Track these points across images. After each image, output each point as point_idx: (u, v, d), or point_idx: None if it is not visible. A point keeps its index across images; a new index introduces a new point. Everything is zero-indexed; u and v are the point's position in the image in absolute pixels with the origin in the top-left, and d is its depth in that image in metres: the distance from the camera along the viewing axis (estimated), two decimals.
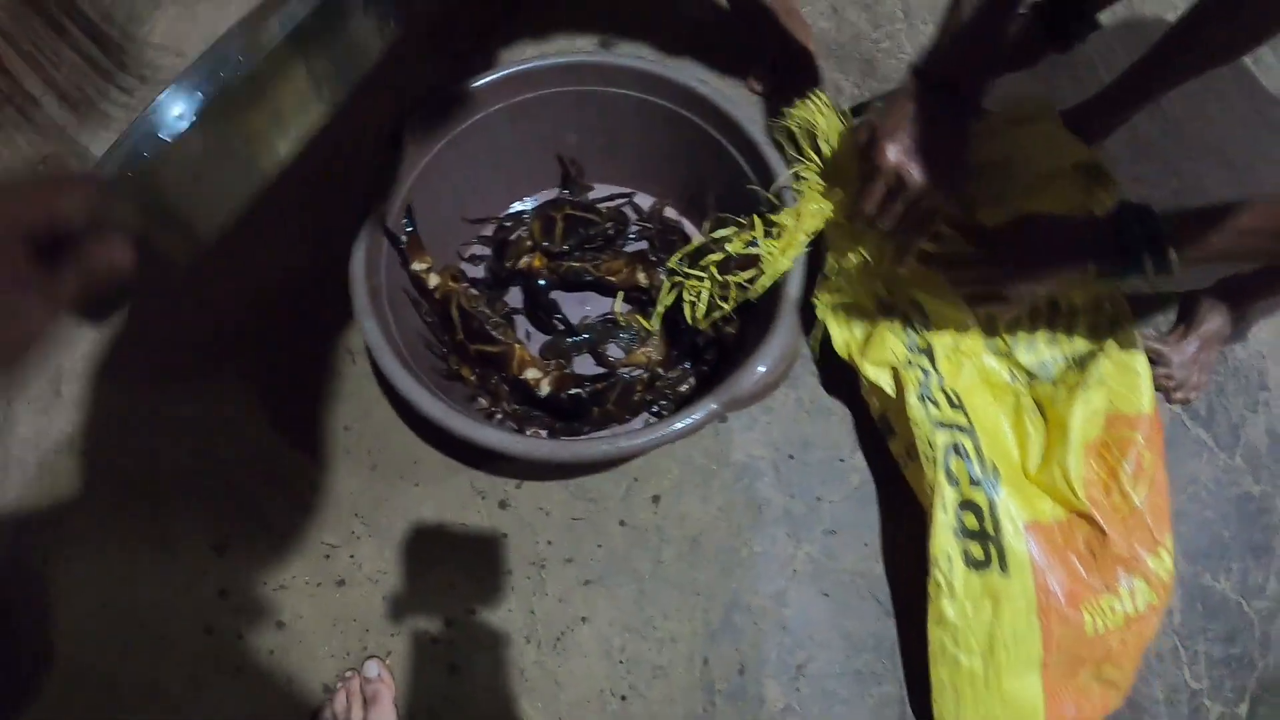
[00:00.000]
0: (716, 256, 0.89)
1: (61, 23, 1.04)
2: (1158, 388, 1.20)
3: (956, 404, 0.96)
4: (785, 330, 0.79)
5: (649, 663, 0.91)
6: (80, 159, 1.19)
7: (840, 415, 1.02)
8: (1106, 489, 0.98)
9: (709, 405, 0.76)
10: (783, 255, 0.87)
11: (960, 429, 0.94)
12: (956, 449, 0.92)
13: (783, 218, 0.88)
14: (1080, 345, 1.07)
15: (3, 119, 0.99)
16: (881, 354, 0.96)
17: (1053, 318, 1.07)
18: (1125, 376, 1.04)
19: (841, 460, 0.99)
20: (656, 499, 0.94)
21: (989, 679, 0.90)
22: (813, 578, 0.95)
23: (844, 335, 0.98)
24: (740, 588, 0.93)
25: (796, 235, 0.88)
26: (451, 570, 0.93)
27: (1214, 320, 1.19)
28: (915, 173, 0.78)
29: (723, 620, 0.92)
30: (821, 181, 0.92)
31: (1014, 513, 0.92)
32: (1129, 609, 0.94)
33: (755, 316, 0.88)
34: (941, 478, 0.90)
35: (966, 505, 0.91)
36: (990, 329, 1.04)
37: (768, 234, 0.88)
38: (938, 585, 0.89)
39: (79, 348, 1.07)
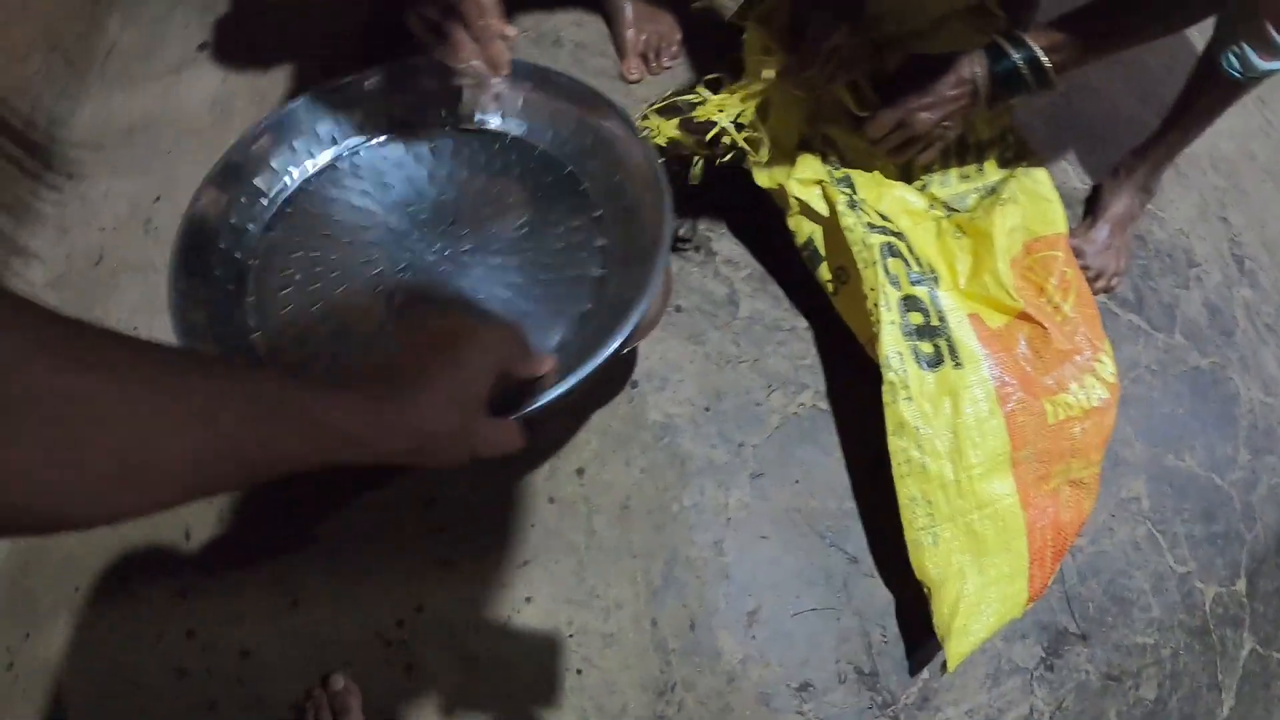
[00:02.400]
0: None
1: None
2: None
3: (885, 217, 0.99)
4: (656, 274, 0.81)
5: (598, 632, 0.91)
6: (22, 256, 1.28)
7: (750, 362, 1.03)
8: (1041, 302, 0.99)
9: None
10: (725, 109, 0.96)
11: (891, 233, 0.96)
12: (891, 250, 0.94)
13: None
14: (991, 177, 1.10)
15: None
16: (808, 172, 0.98)
17: (963, 154, 1.12)
18: (1036, 204, 1.07)
19: (758, 404, 1.00)
20: (580, 471, 0.96)
21: (960, 482, 0.88)
22: (748, 522, 0.96)
23: (773, 174, 1.00)
24: (676, 544, 0.94)
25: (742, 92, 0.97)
26: (395, 571, 0.95)
27: (1119, 202, 1.19)
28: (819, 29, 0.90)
29: (664, 578, 0.93)
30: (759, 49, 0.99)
31: (957, 304, 0.93)
32: (1084, 402, 0.94)
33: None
34: (882, 277, 0.91)
35: (909, 303, 0.92)
36: (907, 174, 1.09)
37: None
38: (893, 387, 0.89)
39: None
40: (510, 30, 0.86)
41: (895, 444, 0.88)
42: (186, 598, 0.97)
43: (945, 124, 0.96)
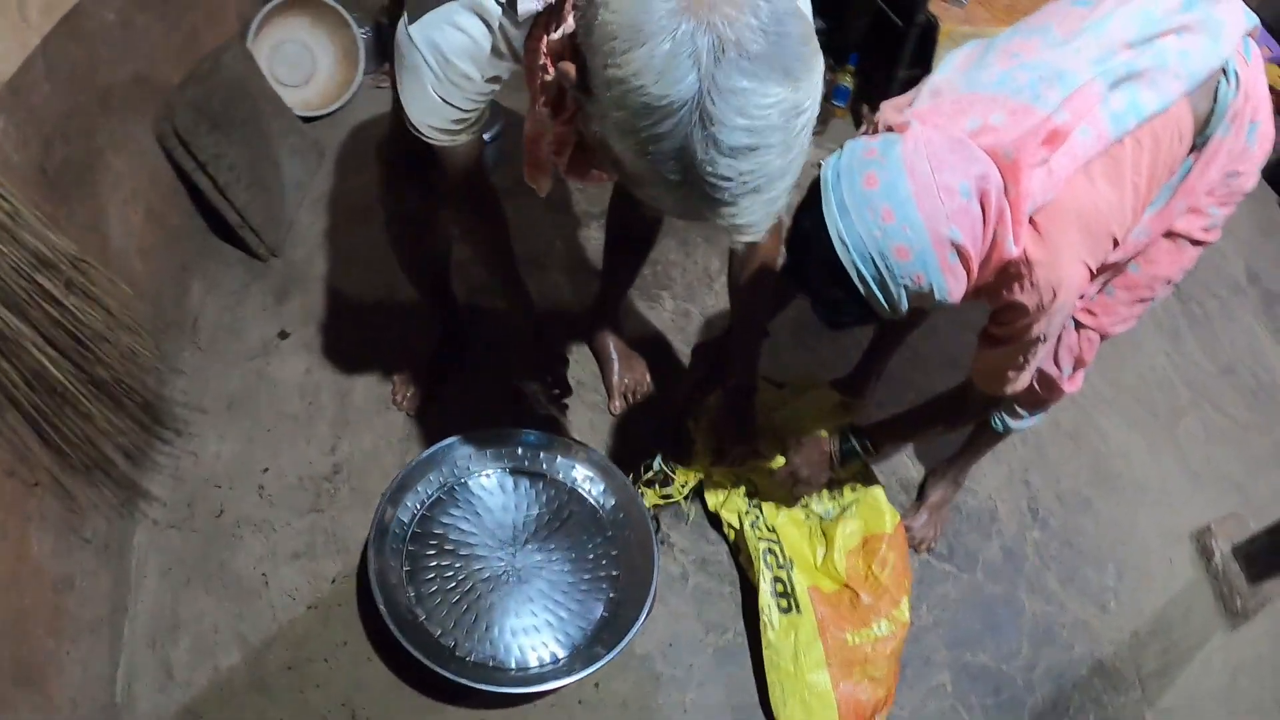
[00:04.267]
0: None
1: (121, 400, 1.53)
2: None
3: (771, 529, 1.74)
4: (654, 584, 1.59)
5: None
6: (145, 498, 1.66)
7: (694, 615, 1.75)
8: (865, 575, 1.71)
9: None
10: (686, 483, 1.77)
11: (773, 542, 1.71)
12: (770, 551, 1.69)
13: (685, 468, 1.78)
14: (847, 498, 1.83)
15: (92, 478, 1.50)
16: (733, 507, 1.77)
17: (832, 485, 1.83)
18: (873, 514, 1.78)
19: (700, 640, 1.72)
20: (597, 685, 1.67)
21: (797, 675, 1.60)
22: (696, 712, 1.66)
23: (714, 500, 1.81)
24: None
25: (690, 474, 1.77)
26: None
27: (935, 493, 1.89)
28: (733, 441, 1.68)
29: None
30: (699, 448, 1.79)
31: (803, 581, 1.66)
32: (878, 634, 1.65)
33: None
34: (762, 566, 1.67)
35: (777, 579, 1.66)
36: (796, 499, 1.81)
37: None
38: (765, 624, 1.63)
39: (182, 639, 1.60)
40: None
41: (766, 652, 1.63)
42: None
43: (816, 478, 1.68)
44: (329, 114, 2.47)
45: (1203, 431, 2.19)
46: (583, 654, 1.58)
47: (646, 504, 1.73)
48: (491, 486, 1.75)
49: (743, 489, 1.80)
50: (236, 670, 1.58)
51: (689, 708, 1.67)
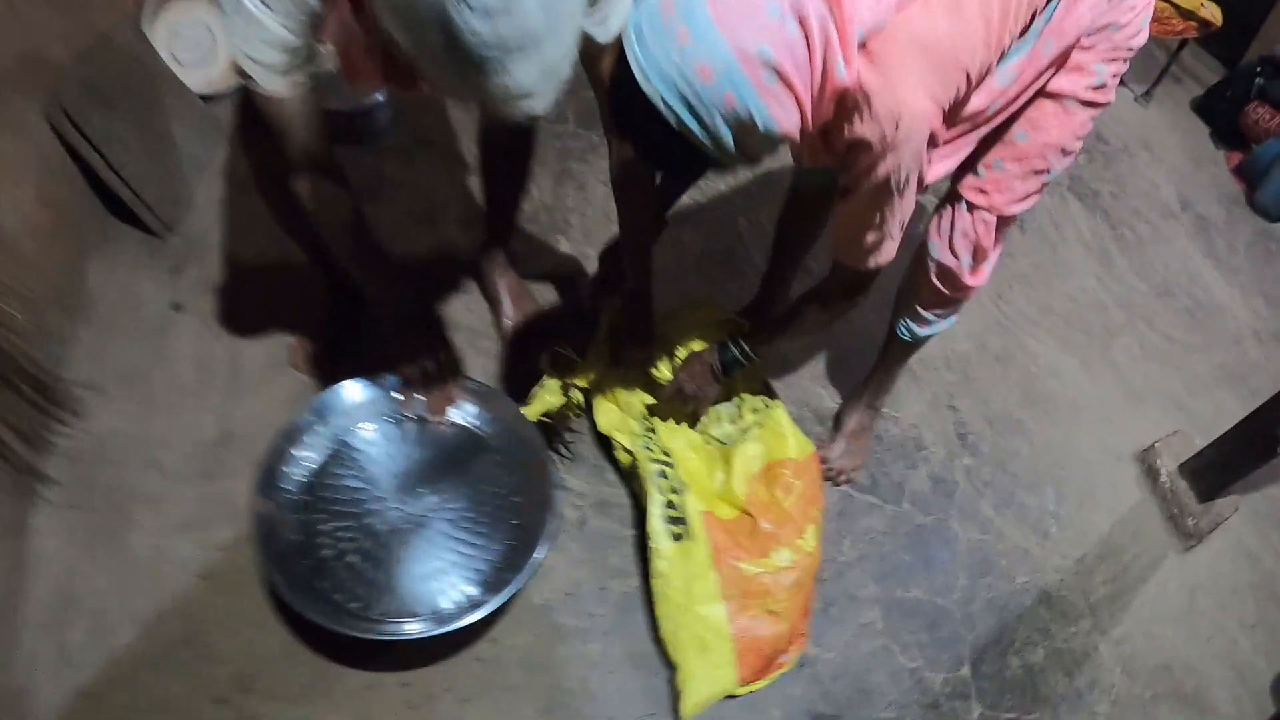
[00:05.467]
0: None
1: (11, 379, 1.48)
2: (825, 478, 1.78)
3: (665, 453, 1.63)
4: (555, 518, 1.50)
5: None
6: (42, 480, 1.59)
7: (595, 563, 1.64)
8: (768, 501, 1.60)
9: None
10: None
11: (665, 464, 1.61)
12: (662, 473, 1.58)
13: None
14: (747, 420, 1.73)
15: None
16: (625, 429, 1.65)
17: (728, 406, 1.75)
18: (776, 438, 1.68)
19: (603, 589, 1.60)
20: (495, 640, 1.57)
21: (688, 606, 1.49)
22: (602, 661, 1.54)
23: (606, 421, 1.69)
24: (560, 679, 1.52)
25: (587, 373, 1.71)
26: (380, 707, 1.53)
27: (852, 420, 1.79)
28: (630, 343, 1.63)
29: (552, 700, 1.51)
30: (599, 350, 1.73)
31: (696, 506, 1.55)
32: (779, 563, 1.53)
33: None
34: (653, 488, 1.56)
35: (669, 503, 1.55)
36: (693, 422, 1.72)
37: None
38: (654, 551, 1.52)
39: (78, 621, 1.50)
40: (456, 394, 1.60)
41: (654, 583, 1.52)
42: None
43: (703, 392, 1.60)
44: (232, 92, 2.41)
45: (1140, 351, 2.08)
46: (494, 586, 1.48)
47: (531, 416, 1.65)
48: (373, 439, 1.65)
49: (637, 407, 1.70)
50: (133, 648, 1.50)
51: (594, 660, 1.56)
